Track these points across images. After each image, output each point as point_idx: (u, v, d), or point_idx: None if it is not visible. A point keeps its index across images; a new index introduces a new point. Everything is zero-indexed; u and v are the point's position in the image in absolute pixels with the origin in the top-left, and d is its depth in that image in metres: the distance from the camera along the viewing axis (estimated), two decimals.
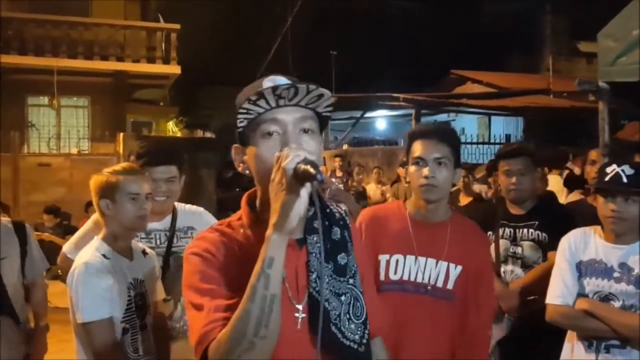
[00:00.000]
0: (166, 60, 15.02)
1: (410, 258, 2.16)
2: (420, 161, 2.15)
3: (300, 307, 1.35)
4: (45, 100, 15.19)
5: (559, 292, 2.46)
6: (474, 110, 13.45)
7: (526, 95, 12.91)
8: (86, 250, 2.34)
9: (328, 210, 1.48)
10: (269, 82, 1.41)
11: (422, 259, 2.16)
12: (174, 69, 15.08)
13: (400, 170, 8.56)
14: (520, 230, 3.13)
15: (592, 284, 2.40)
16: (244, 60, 20.60)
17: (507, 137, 13.01)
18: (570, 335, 2.51)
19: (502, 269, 3.12)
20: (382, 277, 2.16)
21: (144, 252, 2.52)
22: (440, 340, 2.14)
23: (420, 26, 19.95)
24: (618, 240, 2.39)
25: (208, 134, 18.79)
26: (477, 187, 8.25)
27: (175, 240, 2.77)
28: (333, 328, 1.37)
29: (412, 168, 2.18)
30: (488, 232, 3.27)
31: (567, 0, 17.64)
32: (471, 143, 12.86)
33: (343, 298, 1.41)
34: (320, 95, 1.39)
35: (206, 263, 1.34)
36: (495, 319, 2.84)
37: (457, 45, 18.33)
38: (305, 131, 1.38)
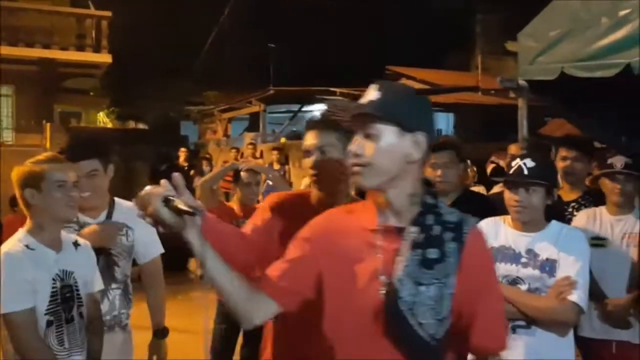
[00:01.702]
0: (97, 49, 14.61)
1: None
2: (305, 153, 2.11)
3: (385, 282, 1.52)
4: None
5: None
6: None
7: (457, 92, 13.30)
8: (9, 242, 2.29)
9: (441, 213, 1.57)
10: None
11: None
12: (105, 58, 14.68)
13: None
14: None
15: (501, 269, 2.55)
16: (179, 51, 20.29)
17: (439, 132, 13.39)
18: None
19: None
20: None
21: (76, 244, 2.46)
22: None
23: (358, 22, 20.20)
24: (525, 228, 2.55)
25: (141, 126, 18.39)
26: None
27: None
28: (403, 307, 1.48)
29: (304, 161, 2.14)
30: None
31: (496, 1, 18.27)
32: None
33: (423, 289, 1.49)
34: None
35: None
36: None
37: (392, 42, 18.67)
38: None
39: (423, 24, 19.77)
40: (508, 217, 2.64)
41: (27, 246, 2.26)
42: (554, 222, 2.59)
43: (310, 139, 2.10)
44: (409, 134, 1.52)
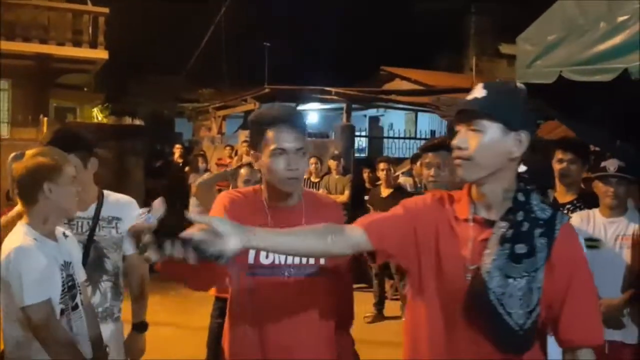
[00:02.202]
0: (93, 45, 14.56)
1: None
2: (281, 151, 2.01)
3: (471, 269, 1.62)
4: None
5: None
6: (402, 106, 13.80)
7: (450, 93, 13.37)
8: (14, 237, 2.28)
9: (533, 210, 1.65)
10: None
11: None
12: (102, 54, 14.64)
13: (331, 163, 8.73)
14: None
15: None
16: (175, 48, 20.26)
17: (432, 132, 13.47)
18: None
19: None
20: (251, 260, 2.03)
21: (65, 235, 2.50)
22: (322, 318, 2.09)
23: (352, 23, 20.25)
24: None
25: (137, 122, 18.36)
26: (402, 180, 8.55)
27: (97, 229, 2.76)
28: (492, 298, 1.56)
29: (268, 160, 2.02)
30: None
31: (489, 3, 18.38)
32: (398, 138, 13.22)
33: (511, 281, 1.57)
34: None
35: None
36: None
37: (387, 42, 18.74)
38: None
39: (415, 24, 19.85)
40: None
41: (35, 239, 2.27)
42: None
43: (286, 139, 2.03)
44: (513, 132, 1.60)
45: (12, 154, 2.37)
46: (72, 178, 2.34)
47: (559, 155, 3.67)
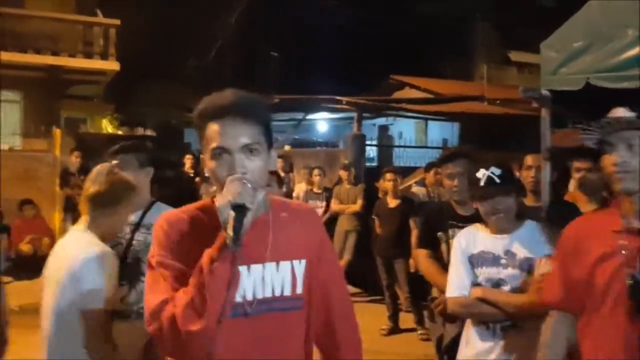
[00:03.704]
0: (104, 56, 14.63)
1: (242, 269, 1.60)
2: (221, 151, 1.60)
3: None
4: None
5: (455, 285, 2.72)
6: (412, 114, 13.78)
7: (462, 102, 13.34)
8: (89, 244, 2.44)
9: None
10: None
11: (257, 267, 1.65)
12: (112, 65, 14.70)
13: (342, 173, 8.68)
14: None
15: (484, 273, 2.68)
16: (184, 58, 20.35)
17: (444, 141, 13.41)
18: (468, 322, 2.76)
19: None
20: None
21: None
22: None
23: (361, 32, 20.28)
24: (500, 231, 2.69)
25: (149, 132, 18.40)
26: (415, 189, 8.49)
27: (136, 234, 2.94)
28: None
29: (211, 162, 1.61)
30: (438, 232, 3.44)
31: (498, 11, 18.38)
32: (409, 147, 13.19)
33: None
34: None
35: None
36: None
37: (396, 51, 18.74)
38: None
39: (424, 33, 19.86)
40: (480, 225, 2.78)
41: (103, 247, 2.47)
42: (528, 221, 2.73)
43: (228, 134, 1.62)
44: None
45: (99, 166, 2.57)
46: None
47: (576, 164, 3.64)
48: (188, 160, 11.79)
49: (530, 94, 3.60)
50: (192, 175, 11.30)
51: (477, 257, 2.69)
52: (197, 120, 1.66)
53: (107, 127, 18.38)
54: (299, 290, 1.70)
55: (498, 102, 12.98)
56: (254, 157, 1.60)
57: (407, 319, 6.86)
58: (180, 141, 21.12)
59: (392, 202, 7.03)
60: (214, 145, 1.59)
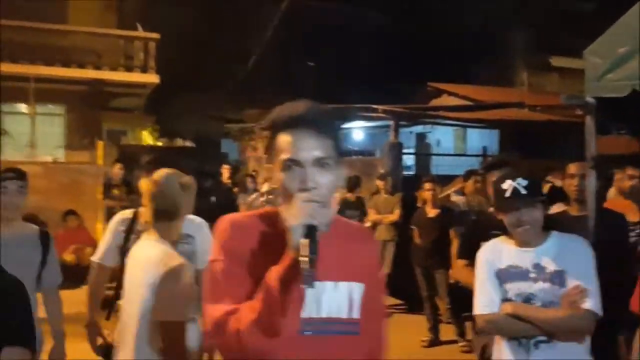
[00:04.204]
0: (144, 69, 14.94)
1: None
2: (292, 164, 1.54)
3: None
4: (20, 107, 14.97)
5: (484, 302, 2.64)
6: (450, 122, 13.65)
7: (501, 109, 13.15)
8: (168, 253, 2.55)
9: None
10: None
11: (318, 284, 1.53)
12: (152, 78, 15.00)
13: (379, 182, 8.64)
14: None
15: (513, 288, 2.58)
16: (220, 71, 20.62)
17: (484, 149, 13.22)
18: (497, 339, 2.69)
19: None
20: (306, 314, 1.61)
21: None
22: None
23: (397, 39, 20.21)
24: (527, 244, 2.59)
25: (188, 143, 18.70)
26: (455, 198, 8.39)
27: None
28: None
29: (280, 174, 1.56)
30: (480, 242, 3.38)
31: (538, 16, 18.08)
32: (447, 155, 13.04)
33: None
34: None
35: None
36: None
37: (433, 58, 18.60)
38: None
39: (462, 39, 19.67)
40: (505, 237, 2.69)
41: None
42: (554, 233, 2.62)
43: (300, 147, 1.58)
44: None
45: (163, 174, 2.64)
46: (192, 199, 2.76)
47: (628, 171, 3.54)
48: (225, 171, 11.92)
49: (574, 102, 3.52)
50: (229, 185, 11.41)
51: (504, 272, 2.61)
52: (268, 131, 1.61)
53: (147, 138, 18.74)
54: (356, 314, 1.63)
55: (539, 108, 12.73)
56: (326, 172, 1.54)
57: (448, 331, 6.76)
58: (218, 152, 21.42)
59: (432, 212, 6.96)
60: (285, 157, 1.54)
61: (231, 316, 1.49)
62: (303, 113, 1.55)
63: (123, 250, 3.19)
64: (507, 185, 2.57)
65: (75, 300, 8.32)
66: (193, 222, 3.23)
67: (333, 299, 1.61)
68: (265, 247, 1.52)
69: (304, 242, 1.40)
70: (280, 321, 1.43)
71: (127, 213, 3.47)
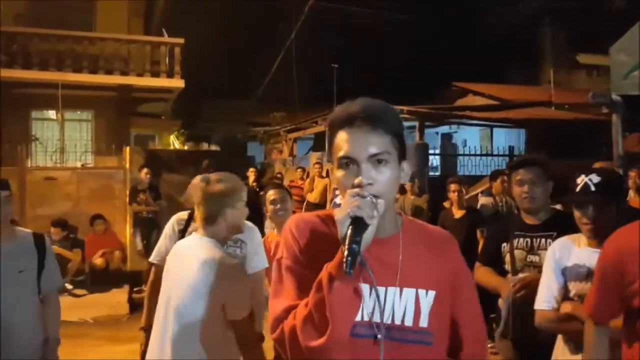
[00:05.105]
0: (170, 74, 15.11)
1: (365, 288, 1.50)
2: (348, 161, 1.53)
3: None
4: (49, 114, 15.27)
5: (545, 298, 2.61)
6: (476, 122, 13.52)
7: (528, 108, 12.99)
8: (215, 252, 2.59)
9: None
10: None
11: (380, 289, 1.54)
12: (178, 83, 15.16)
13: (406, 184, 8.58)
14: (538, 239, 3.19)
15: (576, 288, 2.54)
16: (246, 74, 20.73)
17: (510, 148, 13.04)
18: (560, 338, 2.61)
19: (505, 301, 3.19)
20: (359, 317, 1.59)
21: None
22: None
23: (421, 40, 20.10)
24: (599, 244, 2.48)
25: (213, 147, 18.84)
26: (483, 200, 8.29)
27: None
28: None
29: (338, 172, 1.55)
30: (502, 243, 3.34)
31: (565, 13, 17.80)
32: (474, 155, 12.89)
33: None
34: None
35: None
36: None
37: (458, 58, 18.46)
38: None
39: (487, 38, 19.47)
40: (581, 235, 2.60)
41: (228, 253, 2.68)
42: None
43: (355, 143, 1.56)
44: None
45: (199, 177, 2.77)
46: (244, 202, 2.72)
47: None
48: (251, 174, 11.95)
49: (600, 100, 3.46)
50: (256, 188, 11.45)
51: (570, 270, 2.56)
52: (328, 130, 1.61)
53: (175, 142, 18.94)
54: (423, 323, 1.56)
55: (566, 107, 12.55)
56: (383, 168, 1.51)
57: None
58: (244, 155, 21.54)
59: (458, 213, 6.89)
60: (341, 154, 1.53)
61: (289, 313, 1.50)
62: (358, 110, 1.55)
63: None
64: (580, 180, 2.50)
65: (105, 303, 8.49)
66: (246, 228, 3.21)
67: (398, 305, 1.56)
68: (328, 246, 1.49)
69: (348, 233, 1.39)
70: (329, 319, 1.40)
71: (184, 214, 3.52)
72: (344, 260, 1.37)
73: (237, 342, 2.53)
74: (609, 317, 2.13)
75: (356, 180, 1.48)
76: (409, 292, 1.57)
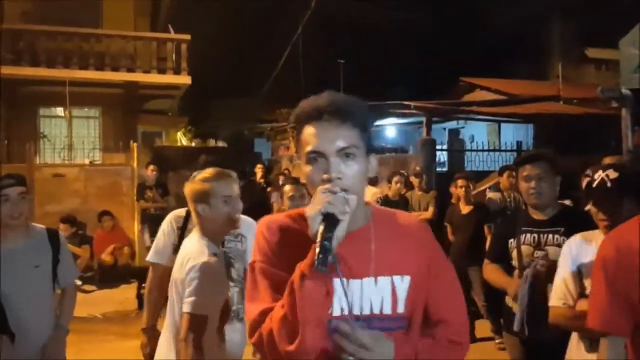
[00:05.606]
0: (177, 71, 15.12)
1: (338, 283, 1.46)
2: (316, 156, 1.52)
3: None
4: (56, 111, 15.32)
5: (560, 295, 2.58)
6: (484, 117, 13.46)
7: (536, 102, 12.91)
8: (196, 248, 2.58)
9: None
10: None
11: (356, 282, 1.55)
12: (185, 80, 15.17)
13: (413, 179, 8.54)
14: (545, 235, 3.18)
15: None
16: (253, 70, 20.75)
17: (518, 143, 12.96)
18: (574, 335, 2.59)
19: (524, 274, 3.17)
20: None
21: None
22: None
23: (429, 35, 20.04)
24: None
25: (220, 143, 18.87)
26: (491, 195, 8.25)
27: (225, 242, 3.15)
28: None
29: (306, 167, 1.54)
30: (509, 239, 3.33)
31: (574, 7, 17.69)
32: (481, 150, 12.82)
33: None
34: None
35: None
36: None
37: (465, 53, 18.41)
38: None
39: (494, 34, 19.39)
40: (598, 232, 2.57)
41: (214, 254, 2.59)
42: None
43: (323, 138, 1.55)
44: None
45: (194, 174, 2.75)
46: (229, 197, 2.68)
47: None
48: (259, 170, 11.97)
49: (609, 94, 3.43)
50: (263, 184, 11.46)
51: (586, 266, 2.50)
52: (295, 124, 1.59)
53: (182, 139, 18.99)
54: (401, 309, 1.57)
55: (575, 101, 12.48)
56: (351, 162, 1.50)
57: (484, 328, 6.68)
58: (251, 151, 21.58)
59: (465, 209, 6.86)
60: (308, 149, 1.52)
61: (265, 316, 1.49)
62: (326, 104, 1.53)
63: (177, 248, 3.21)
64: (597, 175, 2.45)
65: (113, 299, 8.53)
66: (245, 222, 3.24)
67: (375, 294, 1.56)
68: (300, 246, 1.46)
69: (320, 230, 1.38)
70: (306, 321, 1.40)
71: (181, 211, 3.44)
72: (316, 257, 1.36)
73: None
74: (625, 323, 1.76)
75: (325, 176, 1.47)
76: (385, 281, 1.57)
